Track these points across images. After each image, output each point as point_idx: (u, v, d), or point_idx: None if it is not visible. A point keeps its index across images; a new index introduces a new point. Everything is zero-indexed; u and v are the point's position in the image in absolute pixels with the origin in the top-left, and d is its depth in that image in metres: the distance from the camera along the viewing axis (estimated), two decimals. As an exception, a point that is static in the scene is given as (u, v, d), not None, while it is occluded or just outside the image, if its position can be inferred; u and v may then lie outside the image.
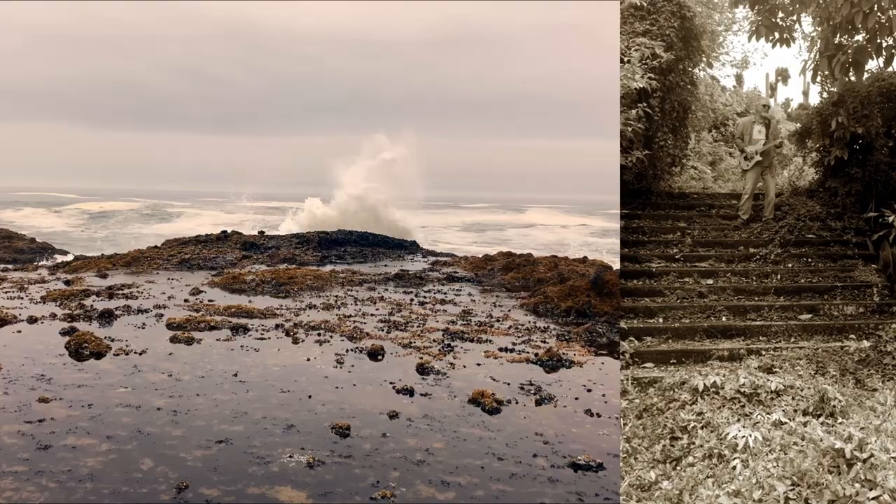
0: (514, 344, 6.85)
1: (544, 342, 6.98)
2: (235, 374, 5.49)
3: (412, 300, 9.23)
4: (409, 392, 5.22)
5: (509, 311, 8.77)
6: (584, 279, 9.21)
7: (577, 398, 5.27)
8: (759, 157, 9.22)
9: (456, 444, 4.31)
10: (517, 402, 5.11)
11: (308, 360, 6.04)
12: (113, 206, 51.05)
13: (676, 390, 5.30)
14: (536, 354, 6.40)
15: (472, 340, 6.98)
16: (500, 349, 6.63)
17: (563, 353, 6.40)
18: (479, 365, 6.09)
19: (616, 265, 9.47)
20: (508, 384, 5.53)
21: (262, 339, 6.73)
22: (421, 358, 6.13)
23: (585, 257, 14.19)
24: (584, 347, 6.85)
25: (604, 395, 5.36)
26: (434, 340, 6.88)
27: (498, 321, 8.03)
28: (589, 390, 5.47)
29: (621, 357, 6.23)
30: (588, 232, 40.34)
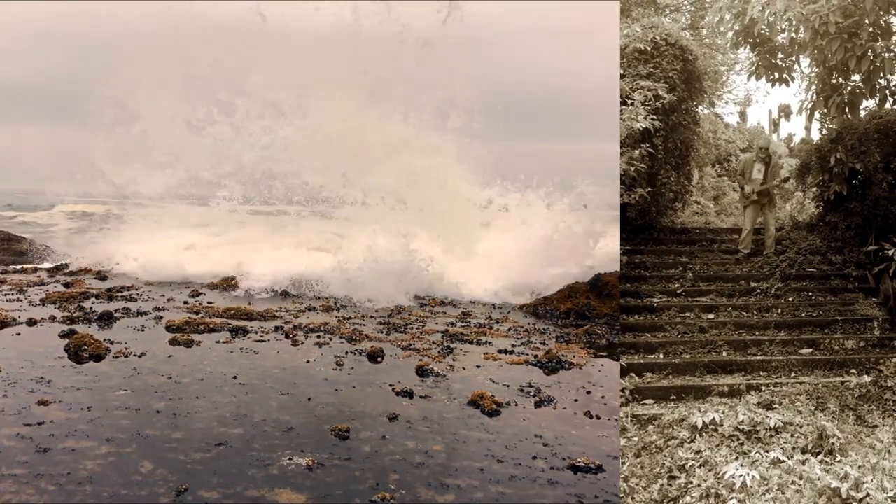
0: (513, 346, 6.86)
1: (544, 344, 6.99)
2: (235, 377, 5.49)
3: (411, 302, 9.23)
4: (409, 394, 5.22)
5: (508, 312, 8.78)
6: (584, 281, 9.21)
7: (576, 400, 5.27)
8: (755, 197, 9.28)
9: (455, 446, 4.31)
10: (516, 404, 5.11)
11: (307, 362, 6.04)
12: (113, 209, 50.94)
13: (675, 427, 5.24)
14: (536, 356, 6.40)
15: (471, 342, 6.98)
16: (500, 351, 6.63)
17: (563, 355, 6.40)
18: (478, 367, 6.10)
19: (616, 266, 9.47)
20: (508, 386, 5.53)
21: (262, 341, 6.73)
22: (420, 360, 6.13)
23: (585, 259, 14.16)
24: (584, 349, 6.85)
25: (603, 398, 5.36)
26: (433, 342, 6.88)
27: (497, 323, 8.03)
28: (588, 392, 5.47)
29: (621, 394, 6.23)
30: (587, 233, 40.23)
